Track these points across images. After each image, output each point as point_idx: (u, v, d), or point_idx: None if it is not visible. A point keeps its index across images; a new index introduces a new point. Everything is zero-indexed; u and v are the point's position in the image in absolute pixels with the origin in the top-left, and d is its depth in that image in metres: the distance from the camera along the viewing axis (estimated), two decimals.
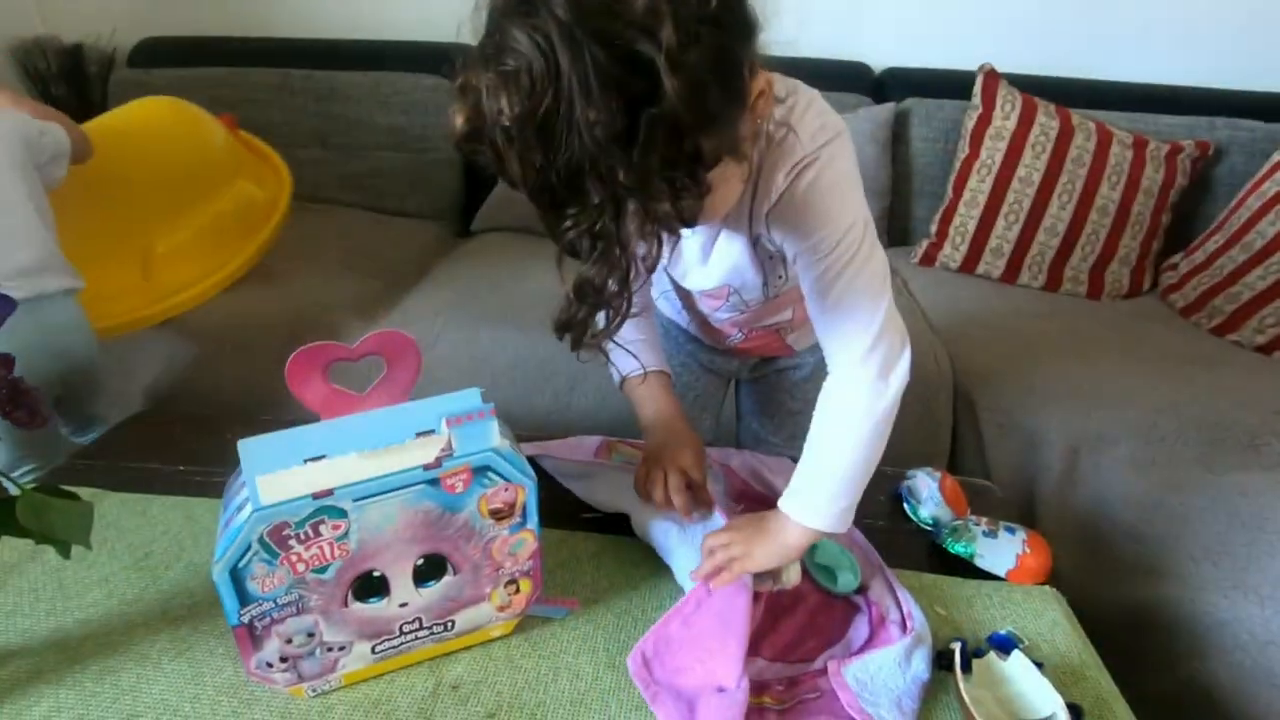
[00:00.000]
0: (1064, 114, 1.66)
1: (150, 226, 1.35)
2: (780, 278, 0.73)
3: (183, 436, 0.92)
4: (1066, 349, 1.35)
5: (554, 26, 0.40)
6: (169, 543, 0.74)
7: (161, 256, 1.35)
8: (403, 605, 0.58)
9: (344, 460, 0.51)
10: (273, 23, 1.96)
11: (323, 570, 0.53)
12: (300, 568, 0.52)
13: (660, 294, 0.89)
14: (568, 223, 0.44)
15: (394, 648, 0.59)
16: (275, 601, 0.53)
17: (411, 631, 0.59)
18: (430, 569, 0.58)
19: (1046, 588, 0.74)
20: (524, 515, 0.60)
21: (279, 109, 1.85)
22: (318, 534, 0.52)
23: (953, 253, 1.70)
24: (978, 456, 1.21)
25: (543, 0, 0.41)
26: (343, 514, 0.52)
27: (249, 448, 0.49)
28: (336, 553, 0.53)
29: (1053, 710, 0.58)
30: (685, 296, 0.85)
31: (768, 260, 0.70)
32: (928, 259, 1.72)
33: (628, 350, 0.73)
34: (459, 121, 0.45)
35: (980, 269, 1.69)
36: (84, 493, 0.78)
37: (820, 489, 0.64)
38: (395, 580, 0.57)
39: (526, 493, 0.59)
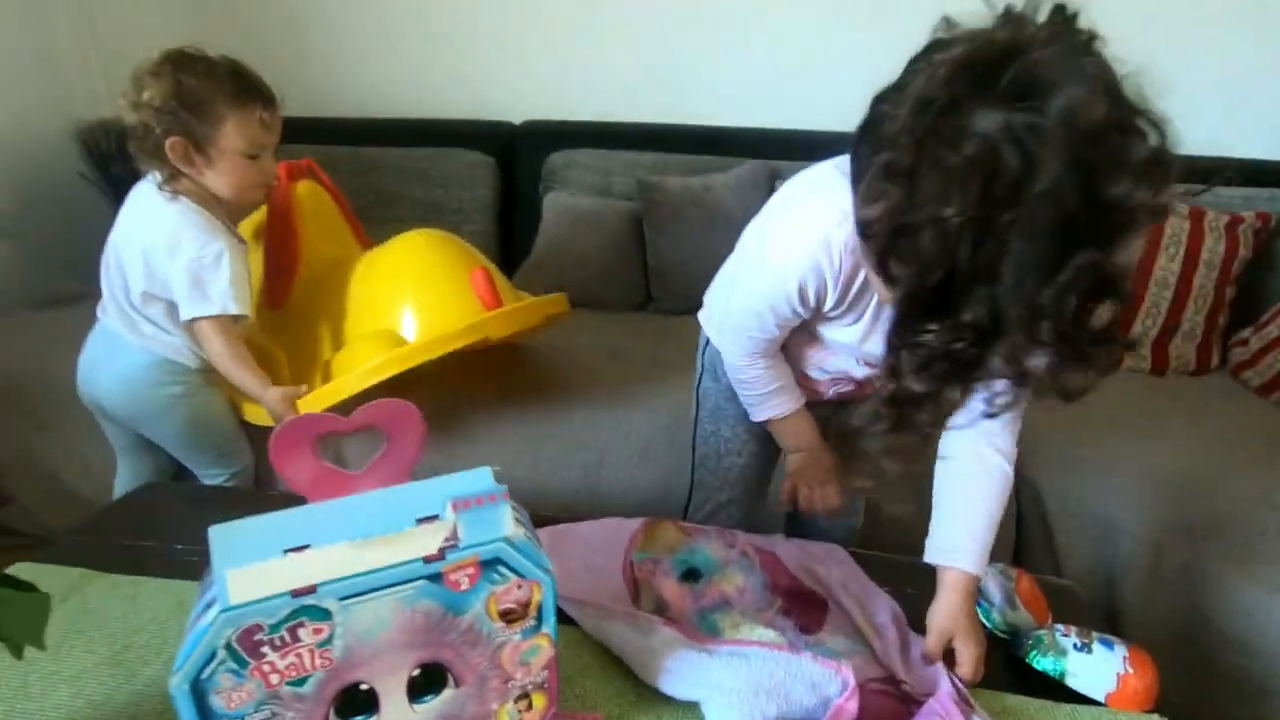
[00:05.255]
0: None
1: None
2: None
3: (190, 511, 0.87)
4: (1137, 429, 1.24)
5: (1049, 135, 0.39)
6: (152, 634, 0.66)
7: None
8: None
9: (330, 551, 0.44)
10: (317, 102, 2.03)
11: (300, 683, 0.45)
12: (274, 680, 0.45)
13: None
14: (927, 334, 0.44)
15: None
16: None
17: None
18: (427, 681, 0.50)
19: (1155, 717, 0.63)
20: (539, 617, 0.52)
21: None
22: (296, 639, 0.44)
23: None
24: (1047, 554, 1.09)
25: (1040, 100, 0.39)
26: (326, 615, 0.44)
27: (221, 535, 0.42)
28: (318, 662, 0.45)
29: None
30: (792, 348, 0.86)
31: None
32: None
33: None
34: (879, 207, 0.45)
35: None
36: (72, 574, 0.74)
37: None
38: (386, 695, 0.49)
39: (543, 591, 0.51)
